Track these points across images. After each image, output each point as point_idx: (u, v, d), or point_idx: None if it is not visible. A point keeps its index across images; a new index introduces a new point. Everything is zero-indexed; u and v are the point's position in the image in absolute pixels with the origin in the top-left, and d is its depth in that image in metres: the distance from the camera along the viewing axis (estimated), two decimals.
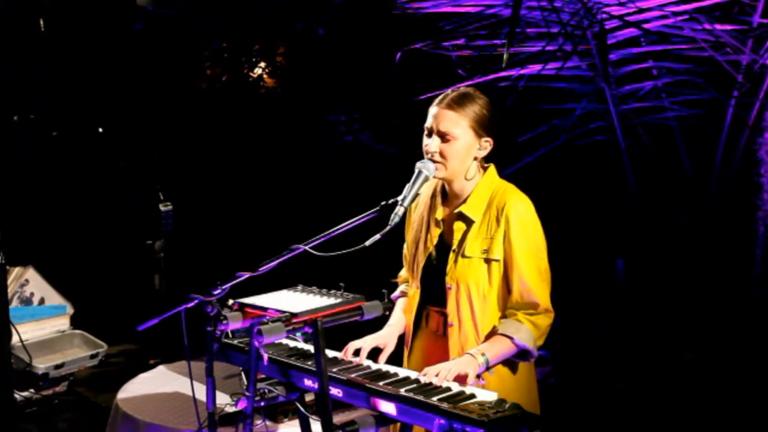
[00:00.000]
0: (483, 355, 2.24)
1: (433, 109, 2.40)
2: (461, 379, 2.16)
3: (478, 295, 2.35)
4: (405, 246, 2.59)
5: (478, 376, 2.25)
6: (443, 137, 2.36)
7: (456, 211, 2.42)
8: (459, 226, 2.40)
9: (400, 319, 2.56)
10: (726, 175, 3.86)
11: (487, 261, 2.35)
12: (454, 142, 2.35)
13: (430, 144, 2.37)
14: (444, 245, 2.44)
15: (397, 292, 2.65)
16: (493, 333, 2.33)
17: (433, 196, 2.52)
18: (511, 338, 2.27)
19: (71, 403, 4.96)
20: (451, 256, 2.39)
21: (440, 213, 2.48)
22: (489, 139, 2.40)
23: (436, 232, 2.47)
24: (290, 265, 2.25)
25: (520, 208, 2.34)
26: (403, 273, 2.63)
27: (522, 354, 2.32)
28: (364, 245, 2.18)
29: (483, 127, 2.38)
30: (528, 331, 2.29)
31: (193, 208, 6.60)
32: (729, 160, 3.84)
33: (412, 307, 2.50)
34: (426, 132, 2.41)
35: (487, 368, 2.25)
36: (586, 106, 4.12)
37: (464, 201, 2.41)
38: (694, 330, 3.94)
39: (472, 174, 2.41)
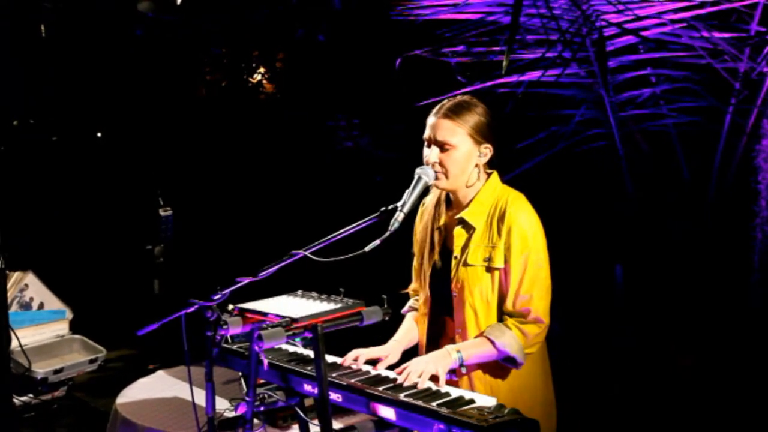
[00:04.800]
0: (458, 351, 2.27)
1: (430, 120, 2.41)
2: (434, 379, 2.18)
3: (482, 301, 2.36)
4: (413, 256, 2.60)
5: (454, 371, 2.27)
6: (442, 147, 2.37)
7: (457, 217, 2.43)
8: (459, 232, 2.41)
9: (406, 334, 2.56)
10: (724, 182, 3.87)
11: (489, 269, 2.35)
12: (453, 151, 2.36)
13: (430, 155, 2.38)
14: (446, 251, 2.45)
15: (406, 307, 2.65)
16: (479, 334, 2.34)
17: (437, 205, 2.52)
18: (492, 342, 2.29)
19: (70, 408, 4.96)
20: (453, 262, 2.40)
21: (443, 219, 2.49)
22: (488, 145, 2.40)
23: (439, 239, 2.48)
24: (290, 271, 2.26)
25: (521, 216, 2.34)
26: (414, 285, 2.63)
27: (507, 360, 2.32)
28: (363, 251, 2.19)
29: (481, 133, 2.38)
30: (513, 337, 2.29)
31: (193, 213, 6.61)
32: (727, 167, 3.85)
33: (426, 316, 2.51)
34: (425, 143, 2.42)
35: (461, 365, 2.27)
36: (584, 113, 4.13)
37: (466, 207, 2.42)
38: (692, 336, 3.95)
39: (473, 180, 2.41)
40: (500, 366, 2.36)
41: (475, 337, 2.35)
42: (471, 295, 2.36)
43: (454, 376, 2.32)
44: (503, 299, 2.36)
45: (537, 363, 2.43)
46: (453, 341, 2.40)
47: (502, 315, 2.37)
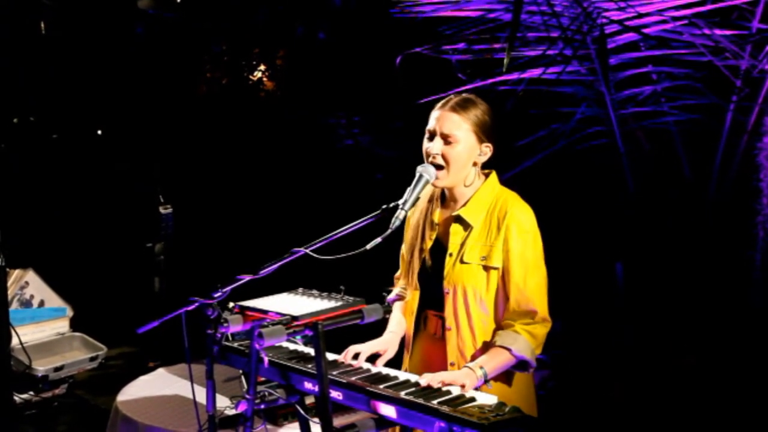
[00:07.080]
0: (481, 368, 2.24)
1: (435, 113, 2.41)
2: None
3: (476, 299, 2.36)
4: (402, 248, 2.60)
5: (477, 389, 2.23)
6: (446, 139, 2.37)
7: (454, 214, 2.42)
8: (456, 230, 2.41)
9: (400, 323, 2.56)
10: (725, 180, 3.86)
11: (486, 268, 2.35)
12: (457, 145, 2.36)
13: (432, 146, 2.38)
14: (440, 248, 2.45)
15: (392, 295, 2.64)
16: (491, 345, 2.32)
17: (431, 201, 2.52)
18: (509, 349, 2.28)
19: (70, 406, 4.96)
20: (449, 260, 2.40)
21: (437, 216, 2.49)
22: (489, 144, 2.41)
23: (431, 235, 2.48)
24: (291, 269, 2.26)
25: (522, 217, 2.35)
26: (401, 279, 2.62)
27: (520, 365, 2.32)
28: (364, 249, 2.19)
29: (484, 132, 2.39)
30: (525, 342, 2.29)
31: (194, 210, 6.61)
32: (728, 164, 3.85)
33: (412, 309, 2.51)
34: (428, 135, 2.41)
35: (486, 381, 2.25)
36: (585, 110, 4.13)
37: (464, 205, 2.42)
38: (693, 335, 3.95)
39: (471, 180, 2.42)
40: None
41: (486, 347, 2.33)
42: (464, 293, 2.36)
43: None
44: (503, 298, 2.35)
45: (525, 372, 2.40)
46: (441, 339, 2.40)
47: (502, 317, 2.36)
